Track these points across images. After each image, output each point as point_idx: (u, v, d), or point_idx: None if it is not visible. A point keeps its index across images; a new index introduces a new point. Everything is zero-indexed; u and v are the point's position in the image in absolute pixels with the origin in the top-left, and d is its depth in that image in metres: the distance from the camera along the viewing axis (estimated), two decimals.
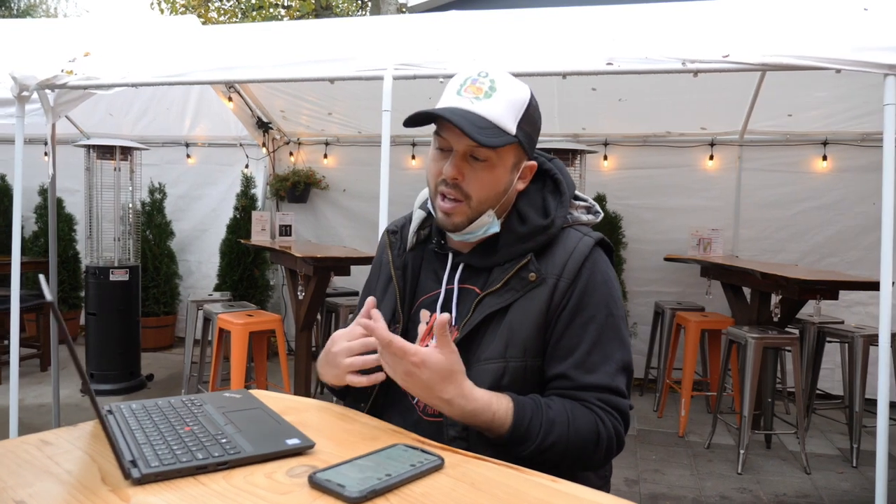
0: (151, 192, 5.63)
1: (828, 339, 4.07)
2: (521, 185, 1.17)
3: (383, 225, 2.96)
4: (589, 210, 1.24)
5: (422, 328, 1.21)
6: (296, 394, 3.93)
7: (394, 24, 3.25)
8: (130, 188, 4.68)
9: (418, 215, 1.25)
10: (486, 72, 1.11)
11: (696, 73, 2.58)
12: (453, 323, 1.16)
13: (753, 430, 3.71)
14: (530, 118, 1.12)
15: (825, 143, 4.76)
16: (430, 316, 1.20)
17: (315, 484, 0.75)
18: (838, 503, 3.14)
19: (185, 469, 0.78)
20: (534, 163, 1.17)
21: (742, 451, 3.49)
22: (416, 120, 1.09)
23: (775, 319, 3.89)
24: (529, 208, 1.17)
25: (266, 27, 3.91)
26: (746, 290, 4.29)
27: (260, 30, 3.57)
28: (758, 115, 4.60)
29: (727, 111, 4.66)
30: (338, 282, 4.76)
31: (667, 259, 4.89)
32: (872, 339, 3.63)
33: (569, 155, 4.31)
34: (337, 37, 3.13)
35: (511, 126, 1.08)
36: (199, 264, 6.00)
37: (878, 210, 4.57)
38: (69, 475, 0.78)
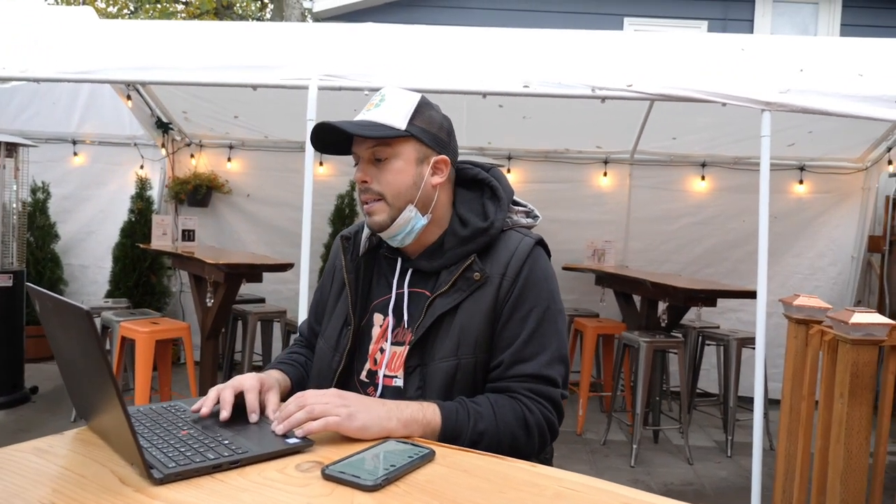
0: (34, 191, 5.24)
1: (707, 342, 4.50)
2: (437, 179, 1.26)
3: (305, 232, 2.98)
4: (528, 214, 1.37)
5: (376, 331, 1.29)
6: None
7: (317, 34, 3.28)
8: (15, 187, 4.35)
9: None
10: (382, 90, 1.28)
11: (603, 99, 2.82)
12: (406, 325, 1.25)
13: (643, 427, 4.04)
14: (423, 116, 1.24)
15: (704, 165, 5.26)
16: (384, 319, 1.28)
17: (329, 476, 0.82)
18: (717, 489, 3.50)
19: (202, 468, 0.83)
20: (444, 156, 1.26)
21: (635, 446, 3.80)
22: (320, 140, 1.24)
23: (663, 325, 4.27)
24: (469, 213, 1.28)
25: (179, 26, 3.79)
26: (636, 298, 4.66)
27: (173, 28, 3.47)
28: (647, 137, 5.01)
29: (620, 132, 5.04)
30: (243, 288, 4.67)
31: (564, 268, 5.20)
32: (745, 342, 4.08)
33: None
34: (259, 42, 3.12)
35: (400, 123, 1.21)
36: (86, 269, 5.64)
37: (747, 226, 5.14)
38: (84, 479, 0.80)
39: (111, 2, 9.38)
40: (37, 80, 2.94)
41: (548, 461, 1.32)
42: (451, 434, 1.08)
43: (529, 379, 1.18)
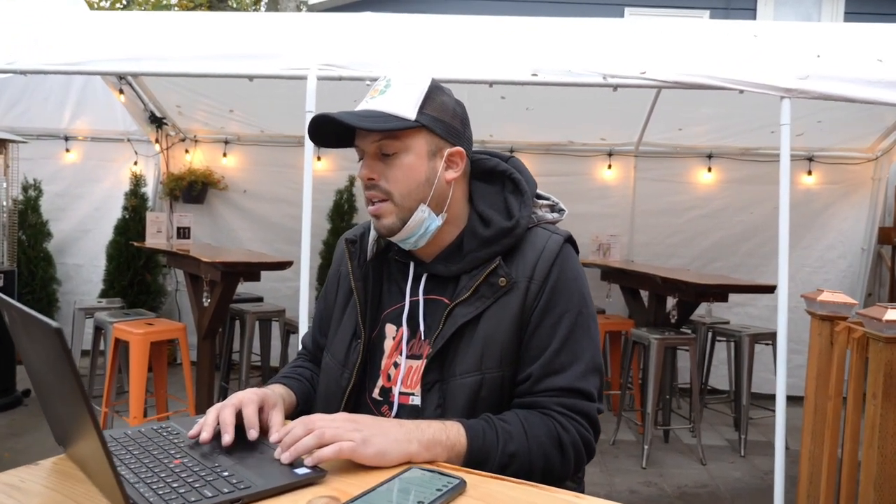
0: (25, 188, 5.10)
1: (717, 338, 4.40)
2: (452, 174, 1.13)
3: (305, 230, 2.86)
4: (553, 208, 1.24)
5: (388, 343, 1.16)
6: (197, 406, 3.71)
7: (316, 23, 3.15)
8: (5, 184, 4.22)
9: None
10: (386, 74, 1.13)
11: (615, 87, 2.70)
12: (423, 337, 1.13)
13: (655, 426, 3.94)
14: (435, 103, 1.10)
15: (710, 156, 5.15)
16: (397, 330, 1.15)
17: None
18: (733, 490, 3.40)
19: None
20: (459, 148, 1.13)
21: (646, 447, 3.70)
22: (319, 133, 1.11)
23: (672, 321, 4.17)
24: (491, 210, 1.15)
25: (173, 17, 3.66)
26: (644, 293, 4.55)
27: (165, 19, 3.33)
28: (652, 128, 4.90)
29: (625, 124, 4.92)
30: (241, 287, 4.55)
31: None
32: (758, 338, 3.97)
33: None
34: (255, 32, 2.99)
35: (409, 113, 1.07)
36: (80, 268, 5.51)
37: (756, 218, 5.03)
38: None
39: None
40: (24, 73, 2.81)
41: (581, 481, 1.20)
42: (478, 457, 0.95)
43: (562, 393, 1.06)
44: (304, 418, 0.89)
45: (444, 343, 1.07)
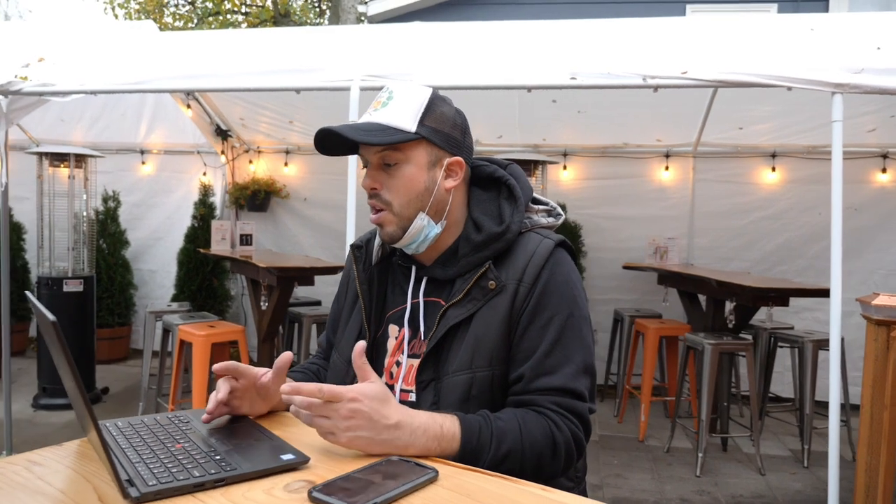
0: (105, 200, 5.48)
1: (779, 343, 4.23)
2: (451, 183, 1.17)
3: (349, 235, 2.96)
4: (550, 213, 1.26)
5: (391, 343, 1.22)
6: None
7: (360, 35, 3.26)
8: (85, 196, 4.55)
9: None
10: (389, 86, 1.18)
11: (656, 88, 2.67)
12: (423, 337, 1.18)
13: (710, 434, 3.83)
14: (434, 114, 1.14)
15: (774, 156, 4.96)
16: (399, 331, 1.20)
17: (315, 499, 0.76)
18: (790, 502, 3.26)
19: (183, 487, 0.78)
20: (458, 158, 1.17)
21: (700, 455, 3.60)
22: (322, 144, 1.16)
23: (730, 325, 4.04)
24: (484, 216, 1.19)
25: (228, 35, 3.87)
26: (702, 297, 4.43)
27: (222, 37, 3.52)
28: (710, 128, 4.77)
29: (681, 124, 4.81)
30: (300, 291, 4.72)
31: (625, 267, 5.00)
32: (822, 344, 3.79)
33: (529, 165, 4.39)
34: (303, 46, 3.12)
35: (409, 125, 1.12)
36: (154, 274, 5.86)
37: (824, 219, 4.78)
38: (64, 496, 0.77)
39: (178, 17, 9.77)
40: (93, 93, 3.03)
41: (580, 479, 1.22)
42: (471, 454, 0.99)
43: (556, 392, 1.08)
44: (316, 390, 0.92)
45: (439, 343, 1.12)
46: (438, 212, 1.18)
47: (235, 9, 9.38)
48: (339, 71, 2.86)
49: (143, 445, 0.90)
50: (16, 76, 3.05)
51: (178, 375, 3.74)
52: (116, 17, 9.17)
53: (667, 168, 5.13)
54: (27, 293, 0.89)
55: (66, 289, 4.29)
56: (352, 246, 1.29)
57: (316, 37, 3.33)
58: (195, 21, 9.67)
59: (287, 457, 0.87)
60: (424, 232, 1.16)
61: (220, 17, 9.22)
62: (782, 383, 4.77)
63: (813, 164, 4.84)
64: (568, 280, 1.14)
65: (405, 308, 1.20)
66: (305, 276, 3.74)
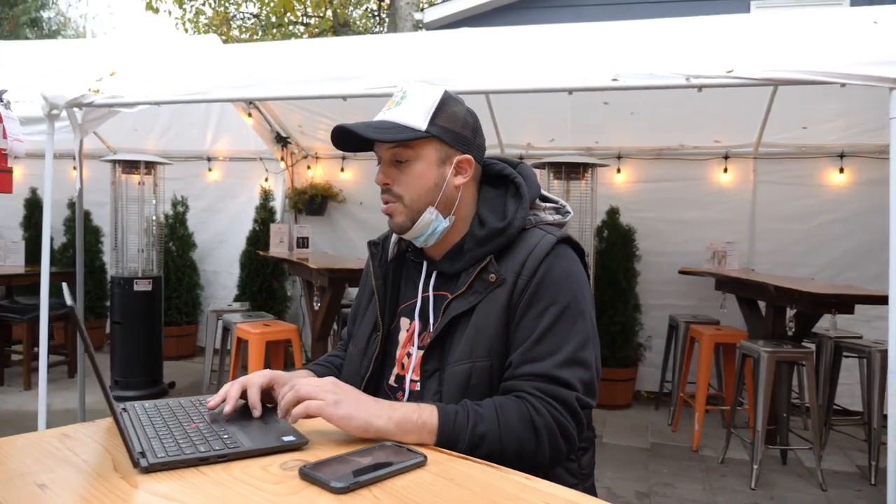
0: (174, 204, 5.78)
1: (844, 353, 4.03)
2: (460, 180, 1.22)
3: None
4: (558, 210, 1.29)
5: (402, 335, 1.27)
6: None
7: (406, 42, 3.34)
8: (154, 201, 4.82)
9: None
10: (403, 86, 1.23)
11: (700, 88, 2.62)
12: (431, 330, 1.21)
13: (768, 446, 3.69)
14: (445, 113, 1.19)
15: (842, 156, 4.74)
16: (410, 323, 1.26)
17: (305, 476, 0.81)
18: None
19: (188, 460, 0.85)
20: (468, 156, 1.22)
21: (755, 467, 3.47)
22: (339, 140, 1.22)
23: (790, 333, 3.88)
24: (489, 213, 1.23)
25: (283, 45, 4.03)
26: (762, 304, 4.28)
27: (277, 48, 3.68)
28: (772, 127, 4.60)
29: (741, 124, 4.67)
30: (353, 293, 4.84)
31: (681, 272, 4.88)
32: None
33: (580, 168, 4.35)
34: (351, 54, 3.22)
35: (421, 123, 1.17)
36: (218, 275, 6.13)
37: None
38: (85, 464, 0.85)
39: (243, 29, 10.21)
40: (156, 104, 3.23)
41: (585, 476, 1.22)
42: (448, 437, 1.02)
43: (538, 378, 1.09)
44: (294, 380, 1.02)
45: (443, 334, 1.16)
46: (447, 207, 1.22)
47: (297, 20, 9.73)
48: (384, 77, 2.94)
49: (162, 424, 0.98)
50: (89, 89, 3.28)
51: (235, 372, 3.92)
52: (186, 31, 9.69)
53: (725, 170, 4.98)
54: (63, 284, 0.98)
55: (136, 288, 4.55)
56: (369, 242, 1.36)
57: (363, 45, 3.43)
58: (259, 34, 10.08)
59: (288, 438, 0.93)
60: (433, 226, 1.21)
61: (282, 29, 9.58)
62: (852, 395, 4.54)
63: (886, 164, 4.58)
64: (569, 273, 1.16)
65: (416, 302, 1.25)
66: (355, 277, 3.82)
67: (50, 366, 4.97)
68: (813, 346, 3.88)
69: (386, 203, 1.23)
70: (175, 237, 5.75)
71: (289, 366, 4.64)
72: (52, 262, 5.77)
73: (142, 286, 4.58)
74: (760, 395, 3.47)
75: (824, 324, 4.06)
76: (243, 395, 1.08)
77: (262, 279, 5.54)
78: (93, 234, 5.96)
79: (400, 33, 6.51)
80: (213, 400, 1.07)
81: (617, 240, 4.83)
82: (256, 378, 1.11)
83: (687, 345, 4.43)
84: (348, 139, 1.23)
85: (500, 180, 1.28)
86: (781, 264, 4.87)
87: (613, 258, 4.81)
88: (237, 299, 5.58)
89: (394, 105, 1.21)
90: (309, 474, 0.81)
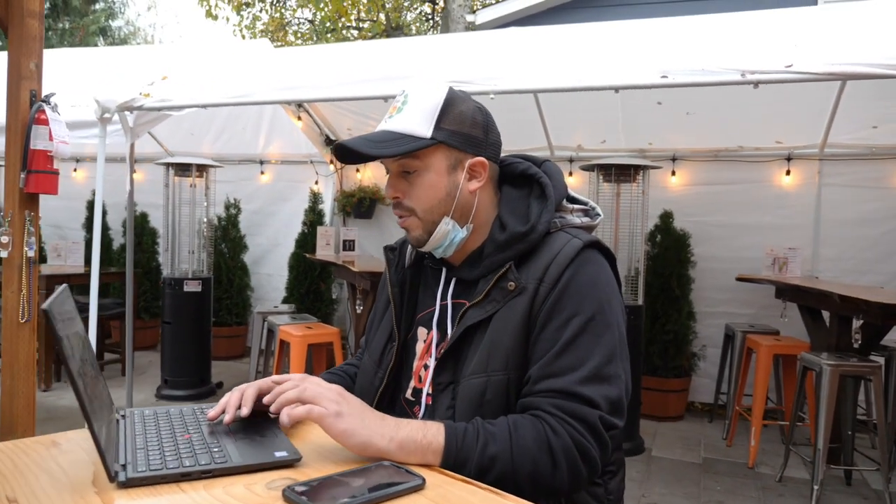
0: (227, 207, 5.90)
1: None
2: (475, 185, 1.13)
3: None
4: (586, 213, 1.19)
5: (419, 346, 1.20)
6: None
7: (453, 42, 3.28)
8: (205, 203, 4.92)
9: None
10: (405, 88, 1.14)
11: (756, 84, 2.46)
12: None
13: (830, 465, 3.46)
14: (451, 114, 1.11)
15: None
16: (427, 333, 1.18)
17: (288, 498, 0.76)
18: None
19: (169, 476, 0.81)
20: (481, 158, 1.13)
21: (816, 487, 3.25)
22: (342, 157, 1.14)
23: (856, 346, 3.63)
24: (510, 216, 1.14)
25: (330, 48, 4.04)
26: (825, 314, 4.02)
27: (323, 50, 3.69)
28: (839, 127, 4.34)
29: (804, 124, 4.42)
30: None
31: (739, 279, 4.65)
32: None
33: (630, 171, 4.20)
34: (397, 56, 3.19)
35: (425, 130, 1.09)
36: (270, 277, 6.22)
37: None
38: (65, 475, 0.82)
39: (298, 35, 10.41)
40: (203, 106, 3.28)
41: (614, 501, 1.12)
42: (455, 458, 0.93)
43: (558, 395, 0.99)
44: (298, 375, 0.97)
45: (457, 344, 1.09)
46: (464, 215, 1.15)
47: (350, 24, 9.83)
48: (431, 78, 2.89)
49: (155, 434, 0.94)
50: (140, 93, 3.35)
51: (278, 373, 3.93)
52: (244, 37, 9.92)
53: (788, 172, 4.72)
54: (64, 284, 0.96)
55: (186, 289, 4.65)
56: (385, 248, 1.29)
57: (409, 46, 3.40)
58: (314, 38, 10.23)
59: (280, 454, 0.88)
60: (450, 236, 1.14)
61: (336, 34, 9.69)
62: None
63: None
64: (596, 281, 1.07)
65: (434, 310, 1.18)
66: None
67: (106, 363, 5.16)
68: (882, 360, 3.61)
69: (400, 217, 1.16)
70: (227, 239, 5.86)
71: None
72: (111, 263, 6.00)
73: (191, 287, 4.67)
74: (822, 411, 3.25)
75: (894, 336, 3.78)
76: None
77: (310, 282, 5.59)
78: (150, 235, 6.14)
79: (444, 35, 6.47)
80: (213, 410, 1.02)
81: (670, 245, 4.65)
82: (257, 381, 1.06)
83: (744, 355, 4.21)
84: (350, 154, 1.15)
85: (524, 180, 1.19)
86: (847, 272, 4.58)
87: (666, 264, 4.63)
88: (285, 301, 5.64)
89: (395, 111, 1.12)
90: (291, 498, 0.75)
